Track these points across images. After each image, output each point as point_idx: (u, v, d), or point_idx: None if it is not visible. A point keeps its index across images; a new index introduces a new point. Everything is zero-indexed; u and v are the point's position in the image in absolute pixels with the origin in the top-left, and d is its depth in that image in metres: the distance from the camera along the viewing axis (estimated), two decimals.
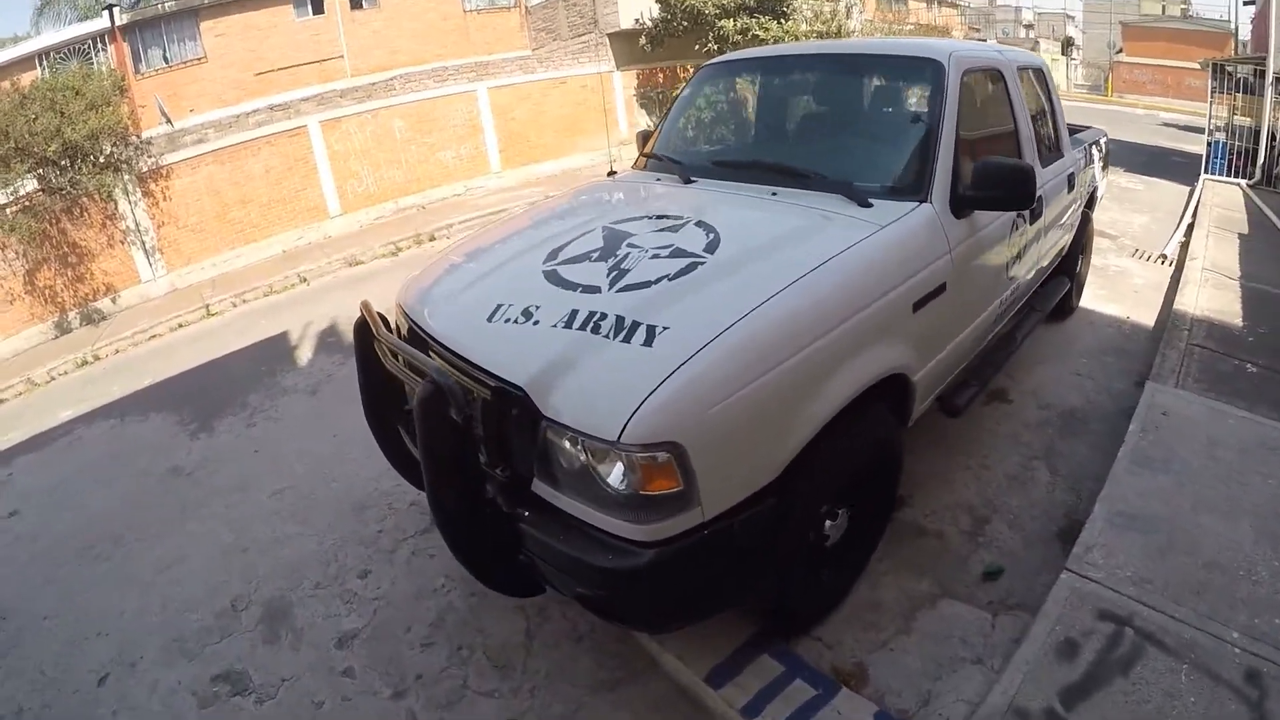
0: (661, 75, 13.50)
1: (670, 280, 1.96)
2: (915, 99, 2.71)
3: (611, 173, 3.39)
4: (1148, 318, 4.89)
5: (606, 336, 1.78)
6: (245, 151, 9.23)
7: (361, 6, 13.74)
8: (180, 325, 7.67)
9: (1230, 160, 8.71)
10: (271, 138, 9.39)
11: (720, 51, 12.13)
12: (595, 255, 2.19)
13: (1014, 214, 2.88)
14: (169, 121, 8.79)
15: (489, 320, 1.97)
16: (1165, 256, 6.06)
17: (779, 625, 2.29)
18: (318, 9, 13.95)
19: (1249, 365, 3.96)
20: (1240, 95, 8.60)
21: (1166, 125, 13.90)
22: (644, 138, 3.48)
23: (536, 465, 1.77)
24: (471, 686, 2.40)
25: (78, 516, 3.93)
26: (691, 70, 13.13)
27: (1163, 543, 2.56)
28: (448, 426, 1.74)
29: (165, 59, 8.98)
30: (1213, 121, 9.15)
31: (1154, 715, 1.96)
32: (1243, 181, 8.52)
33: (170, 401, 5.40)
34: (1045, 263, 3.71)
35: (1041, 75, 3.75)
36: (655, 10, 11.99)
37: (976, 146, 2.79)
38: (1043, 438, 3.53)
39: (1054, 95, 3.85)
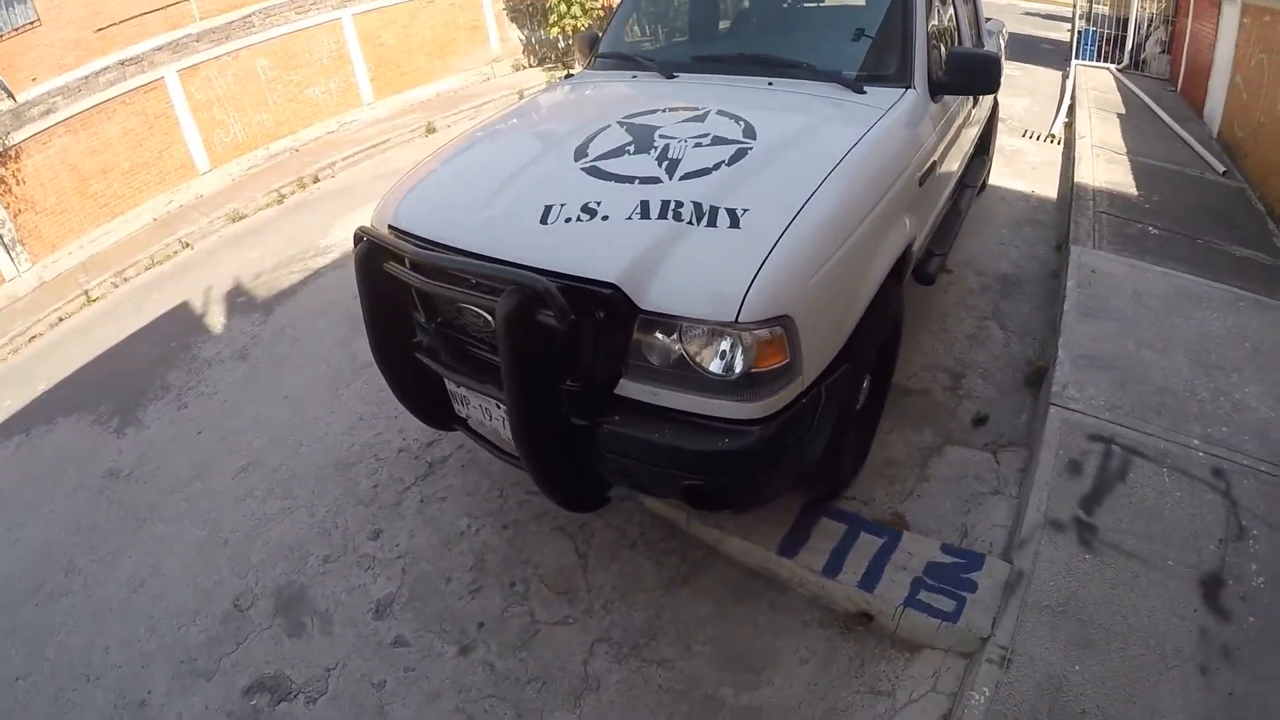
0: None
1: (728, 165, 1.99)
2: None
3: (568, 74, 3.25)
4: (1049, 191, 5.37)
5: (690, 223, 1.77)
6: (99, 116, 7.90)
7: None
8: (61, 319, 6.71)
9: (1100, 47, 9.43)
10: (126, 96, 8.05)
11: None
12: (631, 149, 2.15)
13: (967, 97, 3.07)
14: (10, 96, 7.40)
15: (544, 223, 1.87)
16: (1054, 136, 6.62)
17: (824, 489, 2.46)
18: None
19: (1150, 228, 4.49)
20: None
21: (1029, 14, 14.72)
22: (590, 41, 3.37)
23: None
24: (541, 619, 2.35)
25: (15, 555, 3.36)
26: None
27: (1120, 376, 2.95)
28: (537, 337, 1.67)
29: None
30: (1080, 10, 9.81)
31: (1153, 509, 2.33)
32: (1112, 66, 9.27)
33: (77, 401, 4.76)
34: (975, 143, 3.99)
35: None
36: None
37: (931, 36, 2.93)
38: (987, 301, 3.89)
39: None
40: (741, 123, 2.23)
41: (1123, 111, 7.21)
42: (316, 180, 8.55)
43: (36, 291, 7.35)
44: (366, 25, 10.30)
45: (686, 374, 1.70)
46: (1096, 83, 8.44)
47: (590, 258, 1.73)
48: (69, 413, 4.64)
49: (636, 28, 3.32)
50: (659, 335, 1.69)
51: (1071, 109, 7.24)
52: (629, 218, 1.82)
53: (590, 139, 2.25)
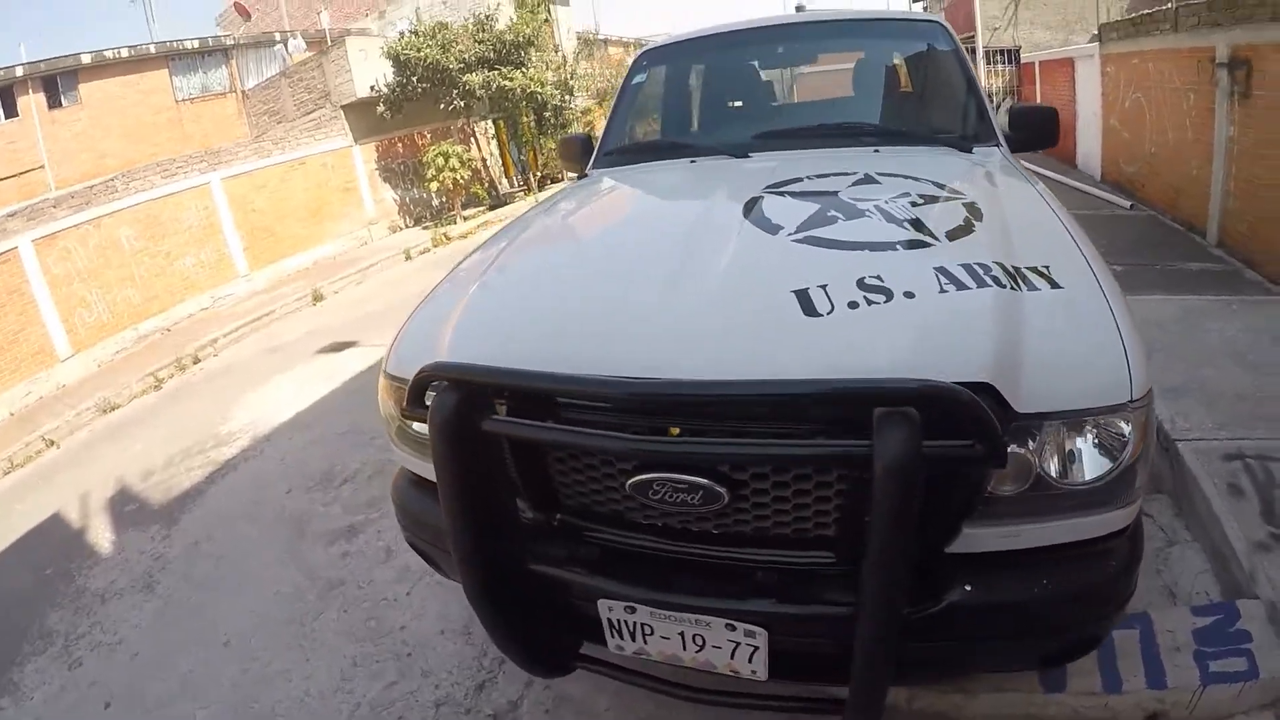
0: (400, 145, 12.84)
1: (978, 221, 1.62)
2: (938, 56, 2.77)
3: (582, 175, 2.85)
4: None
5: (1011, 289, 1.34)
6: None
7: (61, 105, 11.17)
8: None
9: None
10: None
11: (468, 108, 11.96)
12: (840, 215, 1.70)
13: None
14: None
15: (812, 314, 1.31)
16: None
17: None
18: (10, 111, 10.91)
19: (1115, 266, 4.60)
20: None
21: None
22: (581, 142, 3.00)
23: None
24: None
25: None
26: (430, 136, 12.87)
27: (1204, 398, 2.92)
28: (919, 486, 1.09)
29: None
30: None
31: None
32: None
33: None
34: None
35: None
36: (391, 75, 11.41)
37: None
38: None
39: None
40: (922, 180, 1.89)
41: None
42: (197, 360, 7.63)
43: None
44: (237, 190, 9.77)
45: (1047, 492, 1.24)
46: None
47: (937, 352, 1.23)
48: None
49: (649, 122, 3.10)
50: (1015, 447, 1.20)
51: None
52: (942, 291, 1.33)
53: (752, 211, 1.78)
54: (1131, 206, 6.39)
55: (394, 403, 1.59)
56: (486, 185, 13.42)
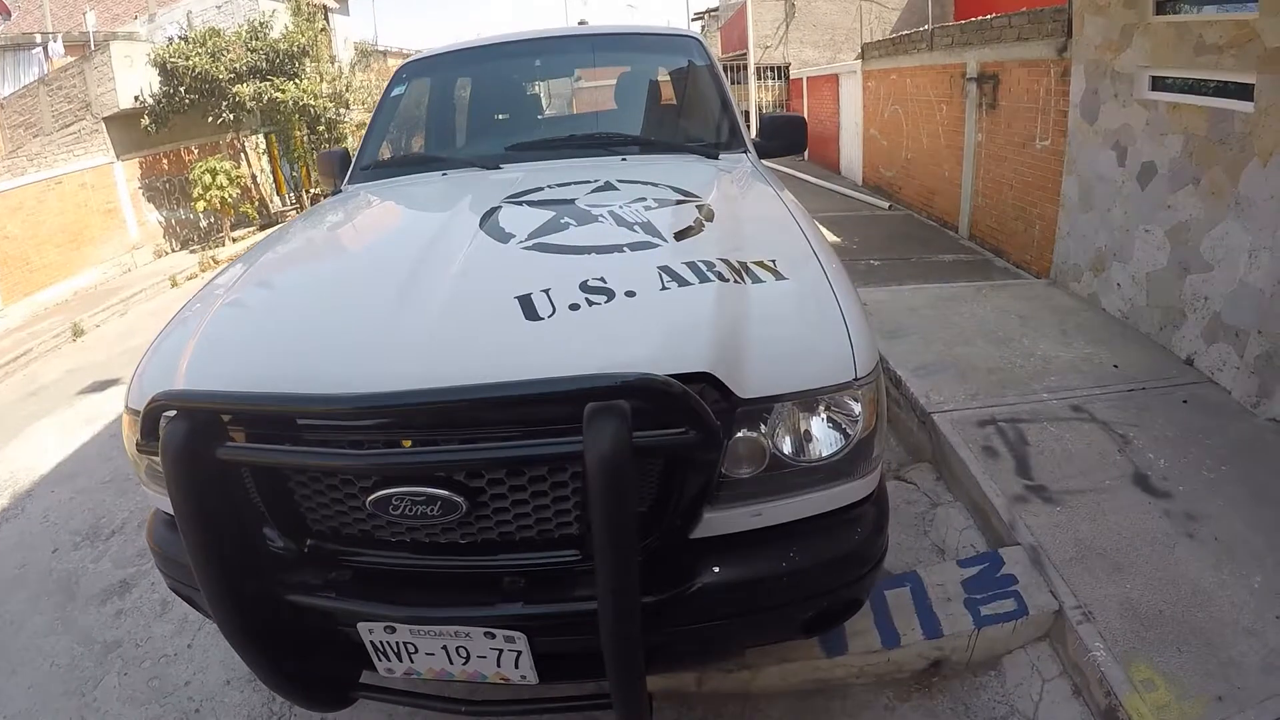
0: (166, 161, 11.54)
1: (708, 221, 1.74)
2: (693, 70, 2.90)
3: (337, 191, 2.72)
4: None
5: (735, 282, 1.42)
6: None
7: None
8: None
9: None
10: None
11: (238, 121, 10.98)
12: (572, 222, 1.76)
13: None
14: None
15: (534, 317, 1.34)
16: None
17: None
18: None
19: (872, 261, 5.44)
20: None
21: None
22: (339, 157, 2.90)
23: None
24: None
25: None
26: (197, 151, 11.59)
27: (956, 373, 3.32)
28: (634, 479, 1.14)
29: None
30: None
31: (1064, 453, 2.66)
32: None
33: None
34: None
35: None
36: (157, 84, 10.18)
37: None
38: None
39: None
40: (660, 186, 2.01)
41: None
42: None
43: None
44: None
45: (785, 471, 1.31)
46: None
47: (656, 347, 1.27)
48: None
49: (406, 137, 3.04)
50: (746, 431, 1.28)
51: None
52: (664, 288, 1.40)
53: (488, 221, 1.80)
54: (890, 207, 7.24)
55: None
56: (257, 204, 12.45)
